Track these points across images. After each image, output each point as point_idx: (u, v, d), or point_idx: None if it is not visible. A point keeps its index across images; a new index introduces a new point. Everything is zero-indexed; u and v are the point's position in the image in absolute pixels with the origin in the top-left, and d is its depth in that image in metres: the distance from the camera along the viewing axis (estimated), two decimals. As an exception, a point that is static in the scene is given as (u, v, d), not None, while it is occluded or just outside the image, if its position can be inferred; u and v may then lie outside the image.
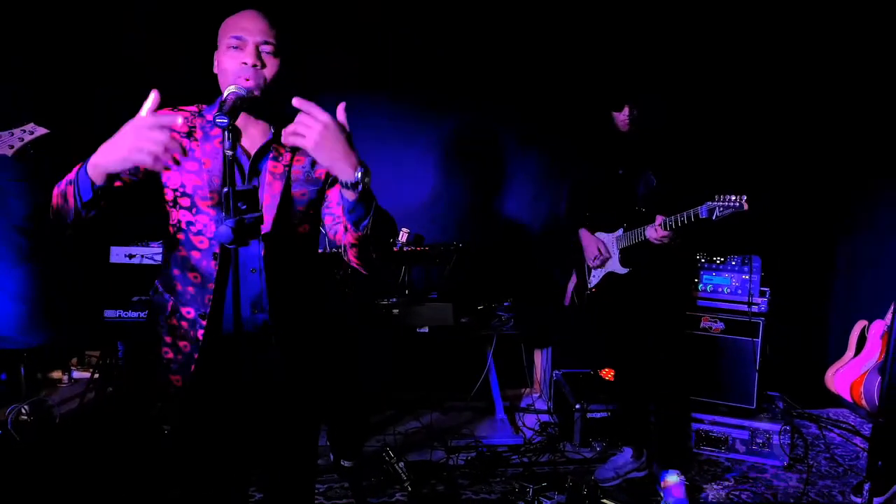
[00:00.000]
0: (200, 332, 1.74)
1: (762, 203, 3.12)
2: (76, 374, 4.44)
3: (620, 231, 3.44)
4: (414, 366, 4.37)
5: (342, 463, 3.43)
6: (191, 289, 1.75)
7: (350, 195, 1.59)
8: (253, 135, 1.78)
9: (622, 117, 3.38)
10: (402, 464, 3.36)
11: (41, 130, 2.61)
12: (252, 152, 1.77)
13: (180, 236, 1.75)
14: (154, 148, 1.39)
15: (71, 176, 1.55)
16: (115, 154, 1.43)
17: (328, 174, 1.81)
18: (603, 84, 3.88)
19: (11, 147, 2.58)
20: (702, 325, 3.88)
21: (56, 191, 1.62)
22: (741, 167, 4.25)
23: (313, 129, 1.51)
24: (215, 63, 1.74)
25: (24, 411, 3.62)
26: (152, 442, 3.48)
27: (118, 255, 3.84)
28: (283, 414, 1.89)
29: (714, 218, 2.91)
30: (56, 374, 4.47)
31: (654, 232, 3.16)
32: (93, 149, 1.49)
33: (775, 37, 4.36)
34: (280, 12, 1.81)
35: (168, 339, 1.79)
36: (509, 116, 4.58)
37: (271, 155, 1.77)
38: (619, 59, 4.36)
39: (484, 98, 4.50)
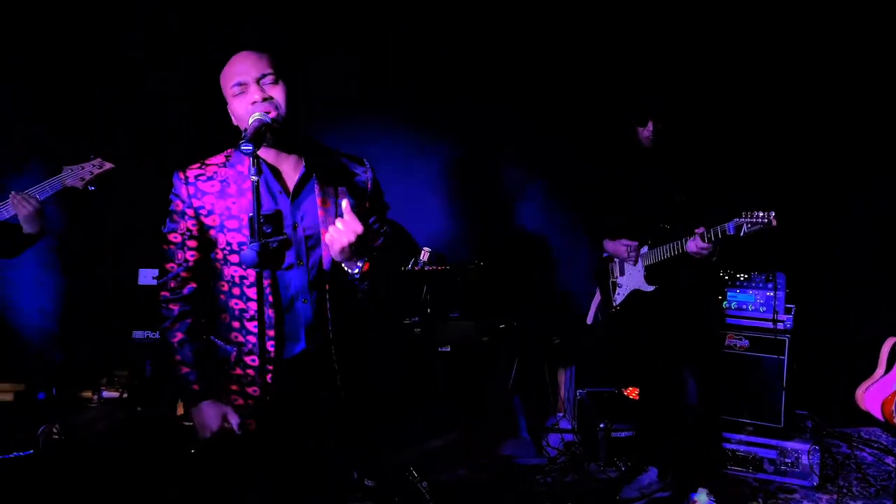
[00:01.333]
0: (269, 377, 1.80)
1: (787, 217, 3.09)
2: (105, 394, 4.52)
3: (645, 248, 3.43)
4: (436, 384, 4.37)
5: (365, 482, 3.44)
6: (252, 338, 1.80)
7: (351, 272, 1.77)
8: (287, 170, 1.84)
9: (646, 133, 3.37)
10: (424, 483, 3.35)
11: (109, 165, 2.83)
12: (291, 187, 1.82)
13: (235, 290, 1.80)
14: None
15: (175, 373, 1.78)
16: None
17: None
18: (626, 98, 3.89)
19: (83, 179, 2.81)
20: (727, 343, 3.83)
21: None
22: (765, 181, 4.22)
23: (344, 238, 1.68)
24: (231, 115, 1.81)
25: (55, 430, 3.69)
26: (180, 462, 3.52)
27: (146, 276, 3.92)
28: (335, 433, 1.97)
29: (742, 234, 2.89)
30: (86, 394, 4.54)
31: (695, 244, 3.10)
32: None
33: (796, 44, 4.33)
34: (271, 35, 1.87)
35: (235, 388, 1.84)
36: (529, 134, 4.60)
37: (317, 191, 1.83)
38: (640, 70, 4.36)
39: (504, 115, 4.53)
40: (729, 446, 3.72)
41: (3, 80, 4.13)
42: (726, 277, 3.91)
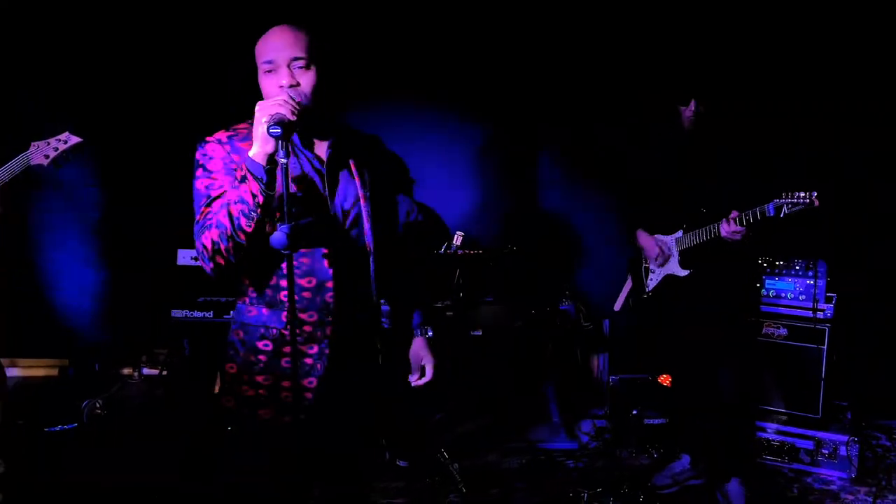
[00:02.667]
0: (320, 365, 1.81)
1: (829, 202, 3.01)
2: (146, 371, 4.63)
3: (680, 232, 3.37)
4: (468, 368, 4.39)
5: (397, 463, 3.48)
6: (306, 294, 1.80)
7: None
8: (317, 145, 1.85)
9: (688, 113, 3.30)
10: (456, 465, 3.38)
11: (75, 139, 2.71)
12: (324, 157, 1.82)
13: (283, 282, 1.78)
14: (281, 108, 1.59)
15: (233, 195, 1.67)
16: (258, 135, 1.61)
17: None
18: (667, 77, 3.82)
19: (47, 157, 2.68)
20: (764, 331, 3.77)
21: (209, 234, 1.70)
22: (807, 164, 4.12)
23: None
24: (260, 88, 1.79)
25: (98, 405, 3.81)
26: (218, 437, 3.60)
27: (184, 257, 4.00)
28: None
29: (782, 215, 2.82)
30: (127, 371, 4.67)
31: (728, 227, 3.03)
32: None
33: (839, 18, 4.20)
34: (313, 17, 1.84)
35: (287, 350, 1.80)
36: (563, 117, 4.56)
37: (353, 167, 1.85)
38: (679, 51, 4.27)
39: (536, 100, 4.50)
40: (764, 435, 3.67)
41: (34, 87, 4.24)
42: (764, 265, 3.84)
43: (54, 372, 4.63)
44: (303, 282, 1.78)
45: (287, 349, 1.78)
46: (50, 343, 4.54)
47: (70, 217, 4.38)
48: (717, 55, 4.19)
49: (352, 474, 2.04)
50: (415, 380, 2.02)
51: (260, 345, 1.82)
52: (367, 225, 1.85)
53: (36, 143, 2.69)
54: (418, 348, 2.09)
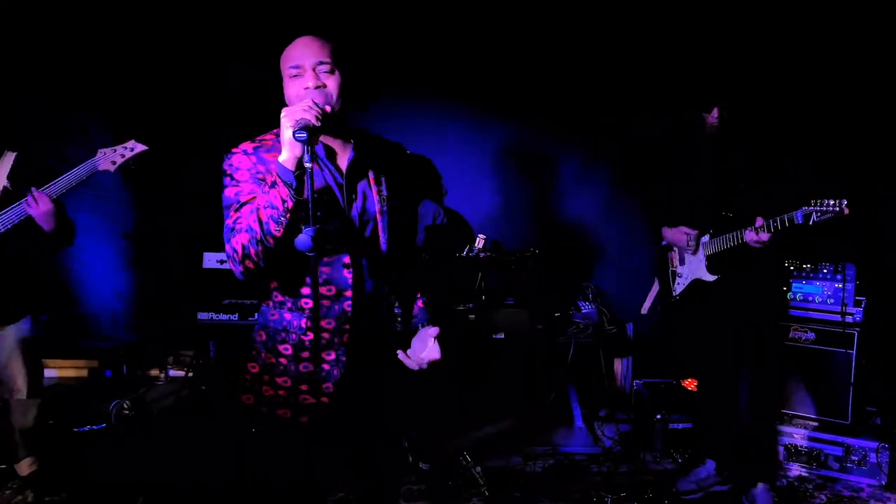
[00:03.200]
0: (346, 337, 1.85)
1: (858, 206, 2.96)
2: (172, 373, 4.71)
3: (706, 237, 3.35)
4: (490, 371, 4.39)
5: (420, 465, 3.49)
6: (325, 302, 1.84)
7: None
8: (338, 152, 1.88)
9: (711, 119, 3.29)
10: (478, 468, 3.38)
11: (141, 147, 2.83)
12: (343, 169, 1.85)
13: (305, 290, 1.85)
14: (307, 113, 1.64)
15: (262, 200, 1.70)
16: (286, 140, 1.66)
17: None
18: (689, 86, 3.80)
19: (114, 163, 2.81)
20: (791, 335, 3.72)
21: (239, 238, 1.73)
22: (833, 167, 4.05)
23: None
24: (285, 95, 1.83)
25: (125, 406, 3.87)
26: (241, 436, 3.64)
27: (210, 260, 4.06)
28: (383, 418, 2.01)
29: (811, 223, 2.79)
30: (154, 372, 4.75)
31: (754, 234, 3.00)
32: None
33: (863, 25, 4.13)
34: (336, 25, 1.87)
35: (306, 355, 1.86)
36: (587, 121, 4.54)
37: (371, 179, 1.88)
38: (703, 56, 4.24)
39: (558, 104, 4.48)
40: (792, 441, 3.62)
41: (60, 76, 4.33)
42: (792, 268, 3.78)
43: (84, 373, 4.73)
44: (322, 290, 1.83)
45: (306, 354, 1.84)
46: (82, 344, 4.64)
47: (100, 220, 4.47)
48: (741, 60, 4.15)
49: (371, 477, 2.06)
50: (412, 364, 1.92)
51: (281, 348, 1.87)
52: (382, 237, 1.88)
53: (103, 150, 2.83)
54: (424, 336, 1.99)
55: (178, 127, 4.39)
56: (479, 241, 4.09)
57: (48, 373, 4.56)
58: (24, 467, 3.12)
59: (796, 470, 3.60)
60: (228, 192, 1.81)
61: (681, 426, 3.75)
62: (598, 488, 3.30)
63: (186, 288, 4.23)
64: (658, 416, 3.76)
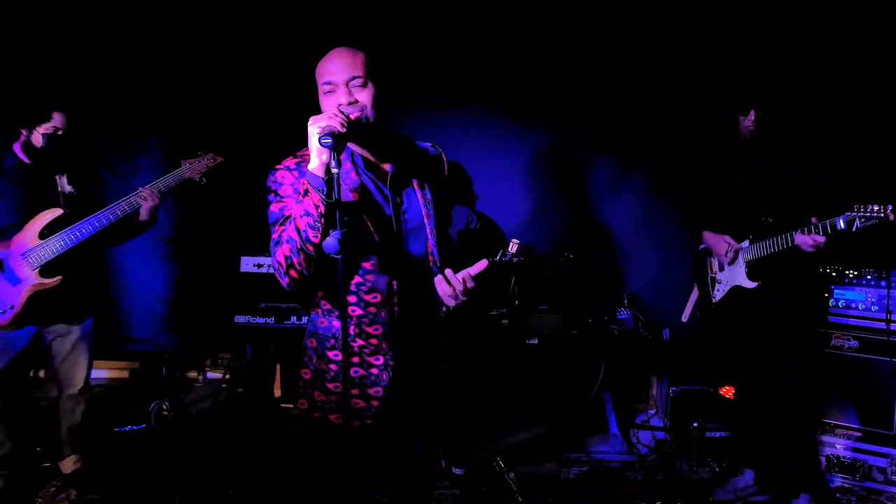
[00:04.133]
0: (385, 375, 1.90)
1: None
2: (210, 375, 4.79)
3: (746, 243, 3.29)
4: (523, 376, 4.37)
5: (453, 470, 3.49)
6: (372, 309, 1.89)
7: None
8: (380, 163, 1.92)
9: (748, 122, 3.24)
10: (512, 474, 3.37)
11: (220, 159, 3.18)
12: (387, 177, 1.90)
13: (352, 298, 1.89)
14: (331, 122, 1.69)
15: (298, 210, 1.76)
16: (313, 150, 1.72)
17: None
18: (726, 88, 3.74)
19: (200, 172, 3.14)
20: (833, 343, 3.63)
21: (281, 249, 1.80)
22: (876, 172, 3.94)
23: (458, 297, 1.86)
24: (321, 107, 1.88)
25: (164, 407, 3.95)
26: (278, 440, 3.69)
27: (247, 264, 4.12)
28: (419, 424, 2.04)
29: (854, 230, 2.73)
30: (192, 374, 4.84)
31: (808, 237, 2.93)
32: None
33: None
34: (367, 35, 1.90)
35: (356, 360, 1.91)
36: (620, 127, 4.50)
37: (416, 185, 1.93)
38: (741, 60, 4.17)
39: (591, 109, 4.45)
40: (834, 452, 3.53)
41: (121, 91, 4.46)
42: (833, 274, 3.69)
43: (125, 374, 4.84)
44: (368, 297, 1.88)
45: (356, 359, 1.89)
46: (123, 347, 4.75)
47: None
48: (779, 60, 4.08)
49: (415, 480, 2.09)
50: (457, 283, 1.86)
51: (330, 354, 1.93)
52: (431, 241, 1.94)
53: (187, 161, 3.16)
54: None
55: (218, 135, 4.48)
56: (513, 246, 4.07)
57: (94, 373, 4.68)
58: (68, 465, 3.21)
59: (838, 481, 3.51)
60: (273, 208, 1.87)
61: (718, 434, 3.69)
62: (633, 496, 3.27)
63: (224, 291, 4.30)
64: (695, 424, 3.70)
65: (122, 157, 4.57)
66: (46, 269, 2.91)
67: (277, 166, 1.89)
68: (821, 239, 2.89)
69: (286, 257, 1.78)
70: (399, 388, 1.91)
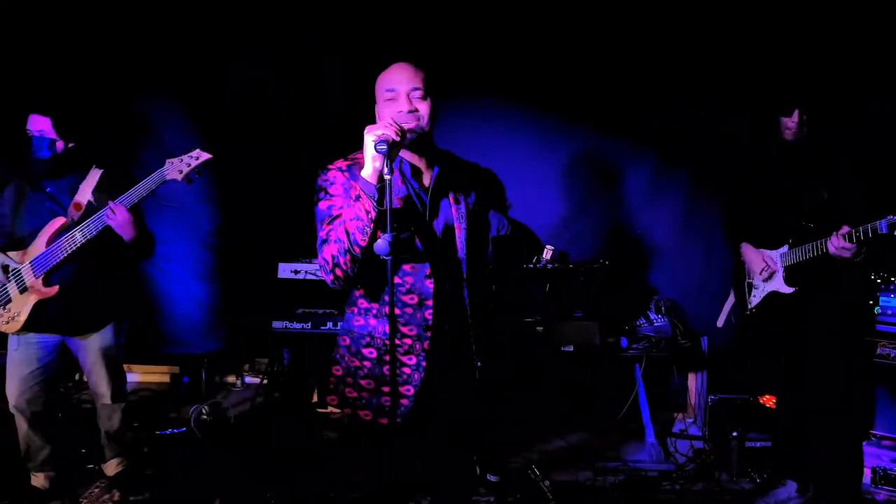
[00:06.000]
0: (426, 344, 1.96)
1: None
2: (248, 380, 4.86)
3: (785, 248, 3.23)
4: (559, 384, 4.34)
5: (488, 477, 3.48)
6: (409, 310, 1.97)
7: None
8: (424, 171, 2.03)
9: (791, 123, 3.18)
10: (547, 482, 3.35)
11: (206, 155, 2.85)
12: (428, 187, 2.00)
13: (388, 298, 1.93)
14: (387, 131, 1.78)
15: (349, 213, 1.85)
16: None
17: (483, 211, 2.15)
18: (770, 88, 3.66)
19: (181, 172, 2.84)
20: (878, 352, 3.53)
21: (329, 248, 1.89)
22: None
23: None
24: (377, 116, 1.99)
25: (204, 411, 4.02)
26: (315, 445, 3.72)
27: (285, 270, 4.17)
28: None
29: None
30: (231, 379, 4.92)
31: (837, 243, 2.89)
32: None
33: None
34: (425, 54, 2.00)
35: (388, 358, 1.93)
36: (657, 130, 4.45)
37: (451, 198, 2.03)
38: (782, 59, 4.09)
39: (628, 111, 4.41)
40: (879, 464, 3.43)
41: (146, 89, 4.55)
42: (879, 280, 3.60)
43: (166, 378, 4.94)
44: (406, 298, 1.96)
45: (388, 357, 1.92)
46: (163, 351, 4.84)
47: (181, 230, 4.67)
48: (821, 63, 3.99)
49: (445, 485, 2.12)
50: None
51: (365, 352, 2.01)
52: (461, 250, 2.01)
53: (171, 160, 2.87)
54: None
55: (253, 140, 4.55)
56: (547, 253, 4.06)
57: (132, 377, 4.79)
58: (111, 468, 3.28)
59: (884, 494, 3.40)
60: (322, 206, 1.96)
61: (759, 444, 3.61)
62: (671, 506, 3.22)
63: (262, 297, 4.36)
64: (734, 434, 3.63)
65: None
66: (48, 278, 2.92)
67: (330, 166, 1.99)
68: (849, 246, 2.83)
69: (333, 257, 1.88)
70: (430, 390, 1.96)
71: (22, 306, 2.94)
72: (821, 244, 2.98)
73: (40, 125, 2.95)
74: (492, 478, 3.47)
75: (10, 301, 2.96)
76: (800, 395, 3.25)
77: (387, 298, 1.91)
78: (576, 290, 4.22)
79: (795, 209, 3.20)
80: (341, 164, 1.99)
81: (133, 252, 3.00)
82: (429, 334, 1.96)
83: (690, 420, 4.32)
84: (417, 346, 1.96)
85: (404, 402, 1.95)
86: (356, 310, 2.04)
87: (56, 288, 2.93)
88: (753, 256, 3.35)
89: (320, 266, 1.95)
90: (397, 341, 1.95)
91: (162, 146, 4.46)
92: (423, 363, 1.96)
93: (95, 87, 4.48)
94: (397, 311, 1.94)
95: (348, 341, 2.05)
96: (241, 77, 4.57)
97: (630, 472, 3.64)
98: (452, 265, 2.01)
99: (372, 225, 1.81)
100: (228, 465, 3.57)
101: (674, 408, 4.43)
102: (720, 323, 3.71)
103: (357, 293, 2.03)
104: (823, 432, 3.22)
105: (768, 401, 3.97)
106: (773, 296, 3.28)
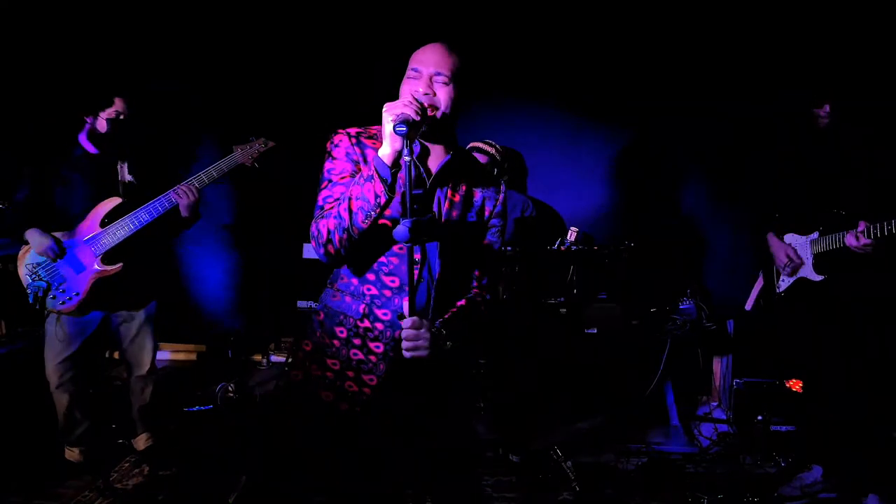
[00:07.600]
0: (382, 365, 1.88)
1: None
2: (273, 358, 4.93)
3: (816, 234, 3.18)
4: (582, 366, 4.33)
5: (510, 457, 3.49)
6: (387, 292, 1.88)
7: None
8: (431, 158, 1.92)
9: (822, 114, 3.13)
10: (569, 463, 3.35)
11: (271, 143, 3.12)
12: (434, 171, 1.90)
13: (371, 276, 1.90)
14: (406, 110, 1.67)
15: (355, 191, 1.74)
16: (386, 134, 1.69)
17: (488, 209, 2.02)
18: (799, 78, 3.59)
19: (252, 157, 3.10)
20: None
21: (326, 222, 1.79)
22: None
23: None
24: (399, 92, 1.87)
25: (230, 389, 4.09)
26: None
27: (309, 251, 4.21)
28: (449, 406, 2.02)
29: None
30: (257, 357, 4.99)
31: (855, 239, 2.86)
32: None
33: None
34: (465, 42, 1.91)
35: (357, 342, 1.90)
36: (690, 116, 4.39)
37: (450, 183, 1.92)
38: (811, 48, 4.01)
39: (657, 94, 4.35)
40: (909, 450, 3.38)
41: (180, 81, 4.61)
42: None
43: (193, 357, 5.02)
44: (387, 280, 1.87)
45: (357, 341, 1.89)
46: (191, 330, 4.93)
47: (208, 212, 4.71)
48: (854, 54, 3.89)
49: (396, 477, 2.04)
50: None
51: (336, 330, 1.92)
52: (449, 244, 1.90)
53: (239, 147, 3.12)
54: None
55: (280, 123, 4.58)
56: (571, 234, 4.03)
57: (161, 355, 4.88)
58: (141, 442, 3.36)
59: (914, 481, 3.36)
60: (325, 167, 1.90)
61: (784, 428, 3.58)
62: (694, 489, 3.21)
63: (287, 277, 4.40)
64: (759, 418, 3.60)
65: (179, 144, 4.70)
66: (108, 257, 3.03)
67: (339, 130, 1.91)
68: (866, 241, 2.81)
69: (329, 231, 1.78)
70: (393, 383, 1.88)
71: (80, 286, 3.01)
72: (838, 237, 2.96)
73: (118, 106, 3.07)
74: (514, 458, 3.49)
75: (64, 281, 3.02)
76: (829, 381, 3.20)
77: (369, 277, 1.87)
78: (600, 273, 4.19)
79: (827, 196, 3.15)
80: (352, 130, 1.90)
81: (181, 230, 3.20)
82: (400, 322, 1.83)
83: (715, 403, 4.29)
84: (388, 332, 1.87)
85: (366, 391, 1.87)
86: (336, 285, 1.96)
87: (120, 265, 3.04)
88: (777, 249, 3.31)
89: (312, 236, 1.84)
90: (367, 324, 1.87)
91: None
92: (391, 354, 1.86)
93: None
94: (375, 292, 1.85)
95: (322, 317, 1.96)
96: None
97: (653, 454, 3.63)
98: (440, 257, 1.90)
99: (378, 210, 1.71)
100: (254, 443, 3.62)
101: (698, 391, 4.40)
102: (748, 306, 3.66)
103: (342, 270, 1.95)
104: (853, 418, 3.18)
105: (795, 385, 3.93)
106: (802, 282, 3.24)
